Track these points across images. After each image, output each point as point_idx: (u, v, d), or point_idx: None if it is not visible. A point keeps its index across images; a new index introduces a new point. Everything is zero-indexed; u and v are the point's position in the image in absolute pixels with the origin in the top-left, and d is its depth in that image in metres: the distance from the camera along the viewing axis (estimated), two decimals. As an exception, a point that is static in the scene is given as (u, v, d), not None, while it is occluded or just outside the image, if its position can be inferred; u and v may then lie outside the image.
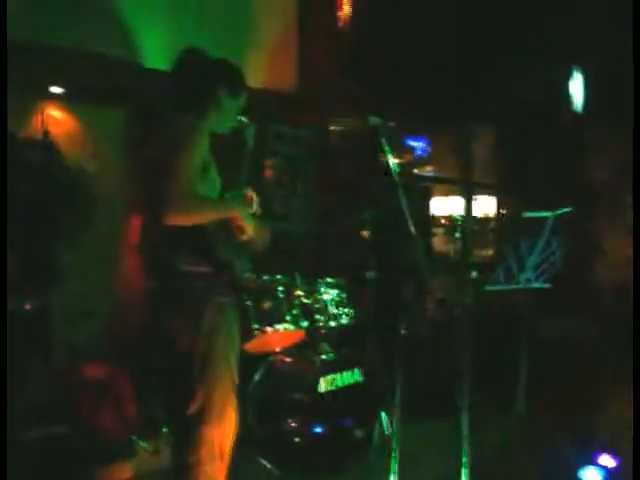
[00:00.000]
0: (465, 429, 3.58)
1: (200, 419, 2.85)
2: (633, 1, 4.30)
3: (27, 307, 4.12)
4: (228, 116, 3.07)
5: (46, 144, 4.42)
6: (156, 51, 4.83)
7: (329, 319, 4.53)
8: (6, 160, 2.96)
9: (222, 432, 2.91)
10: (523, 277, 4.19)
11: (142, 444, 4.10)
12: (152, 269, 2.95)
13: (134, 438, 4.11)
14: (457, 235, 7.01)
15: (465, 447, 3.59)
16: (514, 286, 4.12)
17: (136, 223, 4.52)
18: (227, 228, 2.90)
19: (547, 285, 4.33)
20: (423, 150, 7.83)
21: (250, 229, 2.97)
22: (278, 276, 4.39)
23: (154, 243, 2.88)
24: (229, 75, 3.05)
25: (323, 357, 4.34)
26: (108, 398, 4.19)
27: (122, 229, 4.80)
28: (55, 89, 4.50)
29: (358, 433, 4.30)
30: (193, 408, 2.85)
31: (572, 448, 4.18)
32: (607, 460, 4.02)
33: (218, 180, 2.95)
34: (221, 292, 2.88)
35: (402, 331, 3.90)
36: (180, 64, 3.02)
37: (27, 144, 4.34)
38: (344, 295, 4.68)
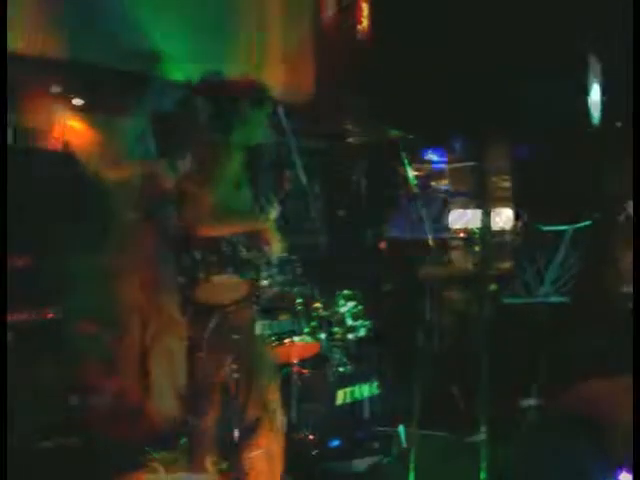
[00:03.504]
0: (483, 442, 3.56)
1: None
2: (633, 3, 4.32)
3: (42, 317, 4.13)
4: (255, 128, 3.09)
5: (65, 155, 4.44)
6: (176, 65, 4.85)
7: (346, 331, 4.52)
8: (6, 162, 2.98)
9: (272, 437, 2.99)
10: (542, 290, 4.17)
11: (158, 456, 4.09)
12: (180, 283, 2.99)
13: (150, 450, 4.11)
14: (475, 248, 6.97)
15: (483, 461, 3.57)
16: (532, 299, 4.10)
17: (155, 234, 4.56)
18: (253, 241, 2.92)
19: (566, 299, 4.30)
20: (441, 163, 7.81)
21: (276, 240, 3.01)
22: (296, 288, 4.39)
23: (181, 255, 2.92)
24: (250, 88, 3.08)
25: (340, 369, 4.33)
26: (124, 409, 4.20)
27: (139, 241, 4.81)
28: (76, 101, 4.53)
29: (376, 446, 4.28)
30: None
31: (591, 463, 4.13)
32: (627, 476, 3.97)
33: (250, 196, 2.98)
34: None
35: (420, 344, 3.89)
36: (202, 84, 3.09)
37: (47, 155, 4.37)
38: (361, 307, 4.68)
